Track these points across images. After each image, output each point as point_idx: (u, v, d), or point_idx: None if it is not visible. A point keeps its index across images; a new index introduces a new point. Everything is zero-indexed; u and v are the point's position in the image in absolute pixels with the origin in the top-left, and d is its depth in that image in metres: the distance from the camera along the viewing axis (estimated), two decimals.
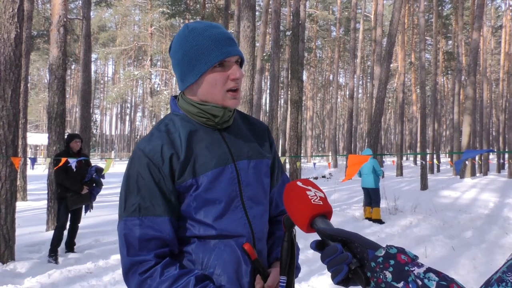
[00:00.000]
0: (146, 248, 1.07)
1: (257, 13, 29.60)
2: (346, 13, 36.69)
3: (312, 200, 0.86)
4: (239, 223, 1.15)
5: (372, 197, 8.63)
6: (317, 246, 0.81)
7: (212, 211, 1.12)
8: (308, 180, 0.96)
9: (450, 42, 34.11)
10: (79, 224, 5.85)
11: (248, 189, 1.19)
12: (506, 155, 32.18)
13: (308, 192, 0.88)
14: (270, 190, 1.31)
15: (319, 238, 0.82)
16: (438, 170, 27.88)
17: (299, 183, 0.93)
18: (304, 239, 5.77)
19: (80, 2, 16.21)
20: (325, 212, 0.86)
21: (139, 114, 63.33)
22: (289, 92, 17.66)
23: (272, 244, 1.30)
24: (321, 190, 0.93)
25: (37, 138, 38.84)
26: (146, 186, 1.10)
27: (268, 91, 25.52)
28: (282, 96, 31.31)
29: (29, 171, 14.56)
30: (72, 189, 5.46)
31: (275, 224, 1.35)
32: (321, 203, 0.86)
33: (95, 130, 56.92)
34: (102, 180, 5.87)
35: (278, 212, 1.36)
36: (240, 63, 1.20)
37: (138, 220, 1.08)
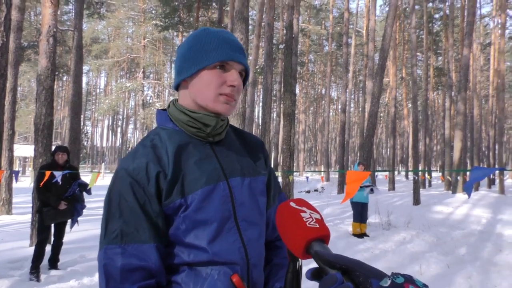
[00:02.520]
0: (129, 280, 0.93)
1: (250, 26, 29.78)
2: (339, 28, 37.06)
3: (307, 223, 0.76)
4: (233, 247, 1.03)
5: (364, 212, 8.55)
6: (313, 275, 0.69)
7: (203, 233, 1.00)
8: (302, 199, 0.85)
9: (440, 58, 34.54)
10: (63, 240, 5.63)
11: (242, 209, 1.07)
12: (497, 172, 32.37)
13: (302, 214, 0.79)
14: (266, 210, 1.18)
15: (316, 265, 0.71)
16: (430, 185, 27.94)
17: (292, 204, 0.82)
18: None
19: (73, 13, 16.16)
20: (322, 236, 0.76)
21: (131, 126, 63.00)
22: (281, 105, 17.65)
23: (269, 273, 1.17)
24: (317, 211, 0.82)
25: (26, 150, 38.31)
26: (130, 209, 0.97)
27: (261, 104, 25.52)
28: (275, 109, 31.31)
29: (15, 184, 14.24)
30: (49, 204, 5.26)
31: (273, 250, 1.22)
32: (317, 225, 0.76)
33: (86, 142, 56.42)
34: (88, 194, 5.69)
35: (276, 236, 1.23)
36: (244, 78, 1.11)
37: (120, 248, 0.95)
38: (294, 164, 48.99)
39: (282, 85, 10.88)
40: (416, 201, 15.44)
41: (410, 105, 29.51)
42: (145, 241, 0.96)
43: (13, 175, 6.81)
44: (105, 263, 0.94)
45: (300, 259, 0.91)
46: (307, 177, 8.15)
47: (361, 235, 8.36)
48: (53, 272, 5.43)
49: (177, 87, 1.13)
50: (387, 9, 14.42)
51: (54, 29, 7.00)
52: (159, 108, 1.15)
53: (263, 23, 16.29)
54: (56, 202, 5.27)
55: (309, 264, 0.81)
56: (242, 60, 1.07)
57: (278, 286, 1.16)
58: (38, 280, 5.07)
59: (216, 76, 1.04)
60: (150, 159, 1.01)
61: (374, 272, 0.63)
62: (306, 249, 0.74)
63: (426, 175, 24.56)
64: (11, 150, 11.00)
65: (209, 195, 1.02)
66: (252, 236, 1.07)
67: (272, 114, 41.92)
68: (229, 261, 1.02)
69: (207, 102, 1.05)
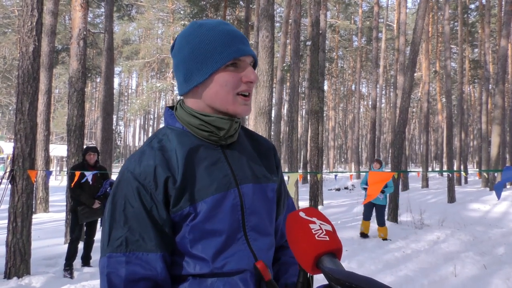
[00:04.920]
0: None
1: (277, 24, 29.64)
2: (368, 23, 36.31)
3: (316, 236, 0.72)
4: (242, 257, 0.98)
5: (378, 214, 8.01)
6: None
7: (211, 245, 0.95)
8: (313, 209, 0.80)
9: (476, 50, 33.21)
10: (94, 238, 5.79)
11: (253, 218, 1.02)
12: None
13: (311, 225, 0.74)
14: (276, 219, 1.14)
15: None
16: (466, 182, 26.94)
17: (301, 214, 0.77)
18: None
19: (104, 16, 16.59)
20: (333, 249, 0.71)
21: (162, 125, 64.18)
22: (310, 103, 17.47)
23: (279, 271, 1.13)
24: (328, 222, 0.77)
25: (63, 150, 39.77)
26: (135, 216, 0.93)
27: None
28: (304, 107, 31.07)
29: (52, 182, 14.77)
30: (84, 202, 5.41)
31: (280, 250, 1.17)
32: (327, 238, 0.72)
33: (119, 142, 57.91)
34: None
35: (285, 241, 1.19)
36: (253, 65, 1.05)
37: (125, 257, 0.90)
38: (324, 162, 48.45)
39: (309, 82, 10.75)
40: (451, 198, 14.92)
41: (444, 99, 28.56)
42: (151, 250, 0.92)
43: (46, 174, 7.05)
44: (108, 272, 0.90)
45: None
46: (335, 175, 8.00)
47: (367, 235, 7.98)
48: (86, 269, 5.59)
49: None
50: (418, 1, 14.03)
51: (84, 32, 7.18)
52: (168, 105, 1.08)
53: (290, 20, 16.16)
54: (90, 201, 5.43)
55: (319, 276, 0.77)
56: (250, 52, 1.01)
57: (291, 281, 1.10)
58: (71, 277, 5.23)
59: (230, 76, 0.98)
60: (158, 163, 0.96)
61: None
62: (316, 263, 0.70)
63: (462, 172, 23.74)
64: (46, 150, 11.40)
65: (219, 204, 0.97)
66: (262, 246, 1.02)
67: (301, 112, 41.57)
68: (238, 271, 0.97)
69: (227, 106, 1.00)
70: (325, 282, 0.72)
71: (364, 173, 7.76)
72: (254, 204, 1.02)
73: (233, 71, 0.98)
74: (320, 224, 0.75)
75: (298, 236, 0.74)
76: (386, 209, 10.28)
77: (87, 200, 5.41)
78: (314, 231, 0.73)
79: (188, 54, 1.00)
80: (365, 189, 8.15)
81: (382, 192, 7.88)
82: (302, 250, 0.71)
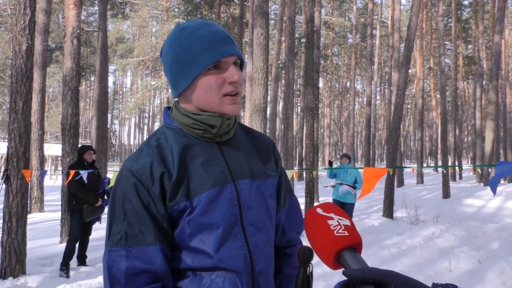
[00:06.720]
0: (134, 284, 0.92)
1: (272, 21, 29.62)
2: (363, 20, 36.40)
3: (335, 231, 0.71)
4: (238, 253, 0.99)
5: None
6: None
7: (209, 238, 0.97)
8: (330, 204, 0.79)
9: (470, 46, 33.37)
10: (90, 237, 5.77)
11: (250, 213, 1.03)
12: None
13: (329, 221, 0.73)
14: (276, 214, 1.14)
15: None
16: (460, 177, 27.11)
17: (319, 210, 0.77)
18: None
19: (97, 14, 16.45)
20: (353, 244, 0.70)
21: (157, 123, 64.08)
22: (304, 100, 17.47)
23: (280, 284, 1.13)
24: (346, 216, 0.76)
25: (57, 149, 39.55)
26: (134, 211, 0.95)
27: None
28: (299, 104, 31.12)
29: (47, 182, 14.71)
30: (88, 201, 5.39)
31: (282, 258, 1.16)
32: (346, 233, 0.71)
33: (114, 140, 57.69)
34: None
35: (285, 242, 1.18)
36: (240, 64, 1.05)
37: (125, 251, 0.93)
38: (320, 159, 48.59)
39: (304, 79, 10.75)
40: (446, 194, 15.01)
41: (438, 95, 28.74)
42: (150, 243, 0.95)
43: (41, 174, 7.02)
44: (109, 266, 0.93)
45: (311, 264, 0.87)
46: None
47: None
48: (82, 268, 5.58)
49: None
50: None
51: (78, 31, 7.13)
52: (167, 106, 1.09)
53: (284, 17, 16.15)
54: (94, 199, 5.43)
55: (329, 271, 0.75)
56: (232, 52, 1.00)
57: None
58: (67, 276, 5.22)
59: (213, 79, 0.99)
60: (155, 159, 0.99)
61: (411, 284, 0.56)
62: (337, 259, 0.70)
63: (456, 167, 23.89)
64: (41, 149, 11.33)
65: (215, 198, 0.99)
66: (259, 242, 1.03)
67: (296, 109, 41.60)
68: (233, 269, 0.99)
69: (214, 107, 1.01)
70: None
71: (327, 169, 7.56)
72: (251, 200, 1.04)
73: (216, 73, 0.99)
74: (338, 219, 0.74)
75: (317, 233, 0.73)
76: (382, 205, 10.36)
77: (91, 198, 5.42)
78: (333, 227, 0.72)
79: (172, 62, 1.02)
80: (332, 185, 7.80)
81: (353, 187, 7.42)
82: (322, 247, 0.71)
